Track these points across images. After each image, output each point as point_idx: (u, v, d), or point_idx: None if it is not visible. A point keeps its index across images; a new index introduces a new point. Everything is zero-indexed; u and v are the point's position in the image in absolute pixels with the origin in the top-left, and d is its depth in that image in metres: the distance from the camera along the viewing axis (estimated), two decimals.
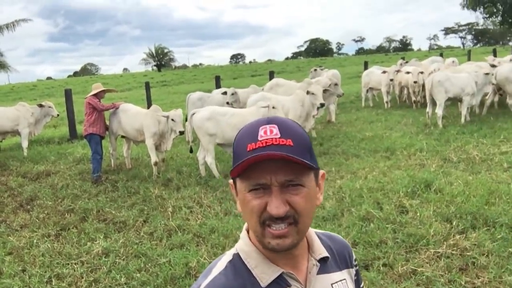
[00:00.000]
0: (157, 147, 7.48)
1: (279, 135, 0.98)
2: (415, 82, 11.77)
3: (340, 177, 6.56)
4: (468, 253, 3.98)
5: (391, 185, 5.84)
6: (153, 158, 7.34)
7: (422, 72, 11.70)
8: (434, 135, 8.78)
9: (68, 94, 11.52)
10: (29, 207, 6.20)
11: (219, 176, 6.94)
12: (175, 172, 7.28)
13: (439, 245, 4.15)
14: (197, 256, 4.19)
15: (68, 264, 4.32)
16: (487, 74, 9.74)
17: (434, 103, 9.74)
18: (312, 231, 1.15)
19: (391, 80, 12.52)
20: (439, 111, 9.53)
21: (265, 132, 0.99)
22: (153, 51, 76.64)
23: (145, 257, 4.32)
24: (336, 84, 9.15)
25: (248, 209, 1.00)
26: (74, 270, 4.16)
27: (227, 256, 1.10)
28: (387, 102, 12.99)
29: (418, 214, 4.85)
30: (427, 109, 9.91)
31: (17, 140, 10.50)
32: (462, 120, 9.66)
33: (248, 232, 1.10)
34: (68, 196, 6.43)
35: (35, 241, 4.90)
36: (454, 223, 4.55)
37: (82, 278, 4.03)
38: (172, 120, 7.02)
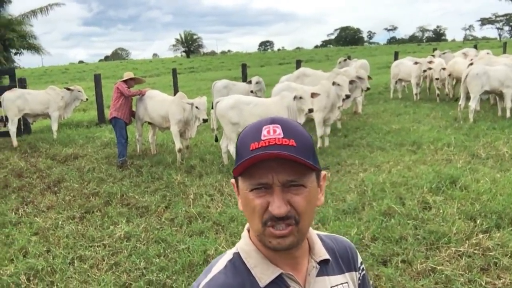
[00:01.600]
0: (182, 134, 7.55)
1: (282, 135, 0.99)
2: (436, 79, 11.54)
3: (363, 170, 6.48)
4: (490, 253, 3.89)
5: (415, 180, 5.74)
6: (178, 145, 7.43)
7: (444, 68, 11.42)
8: (463, 129, 8.55)
9: (97, 79, 11.73)
10: (56, 189, 6.39)
11: None
12: (198, 160, 7.35)
13: (461, 244, 4.07)
14: (216, 244, 4.24)
15: (91, 246, 4.45)
16: None
17: (468, 96, 9.46)
18: (314, 233, 1.15)
19: (424, 71, 12.20)
20: (473, 104, 9.24)
21: (268, 132, 1.00)
22: (183, 37, 77.11)
23: (165, 243, 4.40)
24: (361, 78, 8.98)
25: (250, 208, 1.01)
26: (96, 253, 4.28)
27: (228, 255, 1.11)
28: (416, 94, 12.70)
29: (441, 211, 4.75)
30: (460, 102, 9.62)
31: (47, 123, 10.79)
32: (508, 114, 9.30)
33: (249, 231, 1.11)
34: (94, 180, 6.59)
35: (60, 222, 5.06)
36: (478, 222, 4.44)
37: (103, 261, 4.14)
38: (197, 107, 7.07)
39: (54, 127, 9.77)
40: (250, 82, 10.01)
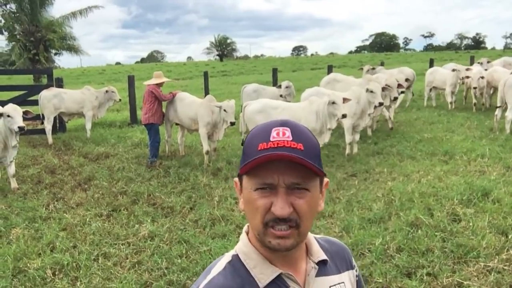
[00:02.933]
0: (209, 137, 7.62)
1: (291, 138, 1.01)
2: (474, 88, 11.18)
3: (392, 178, 6.35)
4: None
5: (445, 191, 5.57)
6: (205, 147, 7.49)
7: (483, 77, 11.06)
8: (499, 140, 8.25)
9: (131, 80, 11.98)
10: (86, 186, 6.56)
11: None
12: (225, 162, 7.38)
13: (490, 259, 3.92)
14: None
15: (116, 244, 4.53)
16: None
17: (505, 106, 9.13)
18: (311, 235, 1.16)
19: (462, 79, 11.85)
20: (510, 114, 8.92)
21: (277, 134, 1.01)
22: (216, 41, 77.90)
23: (188, 244, 4.43)
24: (390, 86, 8.78)
25: (253, 208, 1.02)
26: (120, 251, 4.35)
27: (226, 257, 1.12)
28: (451, 103, 12.35)
29: (471, 224, 4.59)
30: (496, 112, 9.30)
31: (82, 122, 11.10)
32: None
33: (247, 234, 1.12)
34: (122, 179, 6.72)
35: (87, 219, 5.18)
36: (509, 237, 4.27)
37: (127, 259, 4.21)
38: (225, 110, 7.11)
39: (88, 126, 10.04)
40: (280, 86, 10.00)
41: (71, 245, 4.52)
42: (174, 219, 5.16)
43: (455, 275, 3.71)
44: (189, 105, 7.80)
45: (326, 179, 1.09)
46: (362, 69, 13.62)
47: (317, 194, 1.05)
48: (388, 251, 4.15)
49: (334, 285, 1.14)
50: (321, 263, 1.13)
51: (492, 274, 3.67)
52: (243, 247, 1.10)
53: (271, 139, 1.00)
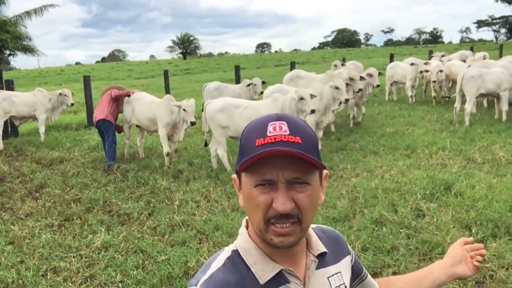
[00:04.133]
0: (170, 138, 7.35)
1: (288, 132, 0.99)
2: (434, 81, 11.38)
3: (355, 175, 6.28)
4: (486, 265, 3.68)
5: (408, 186, 5.54)
6: (166, 148, 7.22)
7: (442, 71, 11.26)
8: (459, 133, 8.36)
9: (86, 80, 11.52)
10: (37, 194, 6.16)
11: (230, 169, 6.75)
12: (187, 164, 7.13)
13: None
14: (197, 255, 4.03)
15: (67, 257, 4.22)
16: None
17: (463, 99, 9.28)
18: (310, 228, 1.14)
19: (420, 72, 12.02)
20: (468, 106, 9.08)
21: (274, 128, 1.00)
22: (179, 39, 76.84)
23: (145, 254, 4.17)
24: (353, 79, 8.77)
25: (254, 205, 1.00)
26: (71, 264, 4.05)
27: (226, 252, 1.10)
28: (411, 97, 12.52)
29: (435, 219, 4.55)
30: (455, 105, 9.44)
31: (35, 125, 10.55)
32: (504, 117, 9.14)
33: (247, 228, 1.10)
34: (77, 185, 6.36)
35: (37, 231, 4.82)
36: (473, 231, 4.25)
37: (78, 273, 3.91)
38: (184, 110, 6.86)
39: (42, 129, 9.55)
40: (249, 84, 9.81)
41: (18, 260, 4.18)
42: (131, 226, 4.88)
43: None
44: (147, 105, 7.50)
45: (325, 171, 1.08)
46: (342, 65, 13.24)
47: (318, 187, 1.05)
48: (353, 250, 4.04)
49: (332, 275, 1.14)
50: (321, 256, 1.13)
51: None
52: (243, 242, 1.09)
53: (268, 134, 0.99)
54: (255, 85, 9.79)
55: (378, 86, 9.98)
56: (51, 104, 9.59)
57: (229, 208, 5.27)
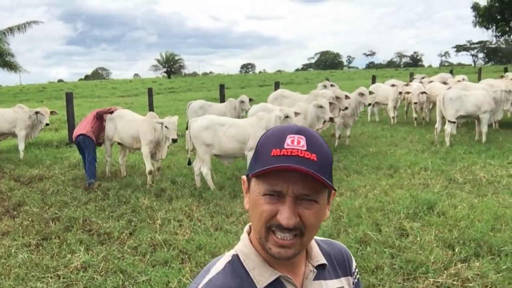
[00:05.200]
0: (152, 156, 7.26)
1: (305, 148, 0.99)
2: (415, 103, 11.60)
3: (339, 194, 6.28)
4: (470, 284, 3.70)
5: (392, 205, 5.56)
6: (148, 166, 7.12)
7: (424, 92, 11.49)
8: (440, 153, 8.48)
9: (69, 97, 11.37)
10: (15, 213, 5.98)
11: (214, 188, 6.69)
12: (169, 182, 7.04)
13: (439, 274, 3.87)
14: (180, 275, 3.93)
15: (44, 277, 4.08)
16: (508, 91, 9.31)
17: (444, 121, 9.44)
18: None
19: (400, 93, 12.22)
20: (448, 127, 9.24)
21: (292, 142, 0.99)
22: (164, 58, 76.96)
23: (125, 274, 4.06)
24: (338, 98, 8.87)
25: (258, 212, 1.01)
26: (48, 285, 3.91)
27: (226, 256, 1.11)
28: (393, 118, 12.71)
29: (418, 238, 4.56)
30: (436, 125, 9.61)
31: (15, 142, 10.34)
32: (484, 138, 9.31)
33: (248, 234, 1.11)
34: (56, 203, 6.21)
35: (13, 250, 4.66)
36: (456, 250, 4.26)
37: None
38: (166, 127, 6.80)
39: (21, 146, 9.35)
40: (241, 101, 9.82)
41: None
42: (111, 246, 4.75)
43: None
44: (130, 122, 7.42)
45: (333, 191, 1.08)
46: (332, 85, 13.06)
47: (325, 205, 1.05)
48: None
49: None
50: (320, 267, 1.12)
51: None
52: (243, 247, 1.10)
53: (285, 146, 0.99)
54: (243, 102, 9.81)
55: (370, 104, 10.13)
56: (31, 121, 9.42)
57: (212, 227, 5.19)
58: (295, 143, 0.99)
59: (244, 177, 1.09)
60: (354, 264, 1.25)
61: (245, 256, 1.08)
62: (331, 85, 12.89)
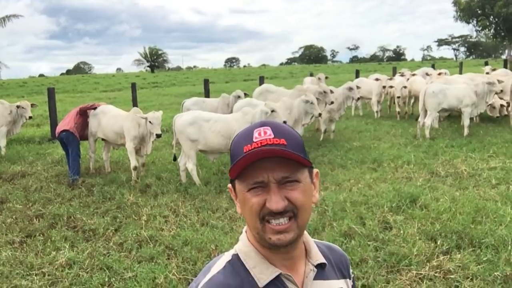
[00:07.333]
0: (137, 151, 7.22)
1: (272, 135, 1.03)
2: (398, 97, 11.76)
3: (324, 188, 6.34)
4: (451, 276, 3.78)
5: (375, 199, 5.64)
6: (133, 162, 7.08)
7: (405, 87, 11.64)
8: (423, 147, 8.61)
9: (51, 93, 11.21)
10: None
11: (199, 183, 6.69)
12: (155, 178, 7.02)
13: (422, 266, 3.94)
14: (166, 271, 3.94)
15: (28, 275, 4.04)
16: (490, 83, 9.45)
17: (426, 114, 9.58)
18: (311, 239, 1.17)
19: (384, 87, 12.35)
20: (428, 120, 9.39)
21: (259, 134, 1.04)
22: (147, 52, 76.25)
23: (111, 271, 4.05)
24: (325, 92, 8.94)
25: (248, 207, 1.03)
26: (33, 283, 3.88)
27: (226, 256, 1.12)
28: (377, 112, 12.85)
29: (401, 231, 4.64)
30: (419, 119, 9.74)
31: None
32: (465, 132, 9.46)
33: (247, 233, 1.13)
34: (39, 200, 6.14)
35: None
36: (438, 242, 4.34)
37: None
38: (150, 122, 6.77)
39: (2, 143, 9.19)
40: (239, 96, 9.75)
41: None
42: (97, 243, 4.73)
43: (389, 285, 3.69)
44: (114, 118, 7.36)
45: (315, 170, 1.12)
46: (326, 78, 13.21)
47: (309, 185, 1.07)
48: None
49: None
50: (319, 267, 1.14)
51: (425, 282, 3.69)
52: (243, 246, 1.11)
53: (254, 139, 1.03)
54: (239, 97, 9.76)
55: (359, 99, 10.22)
56: (11, 117, 9.26)
57: (198, 222, 5.20)
58: (262, 134, 1.03)
59: (229, 185, 1.12)
60: (350, 268, 1.27)
61: (245, 255, 1.09)
62: (326, 78, 13.02)
